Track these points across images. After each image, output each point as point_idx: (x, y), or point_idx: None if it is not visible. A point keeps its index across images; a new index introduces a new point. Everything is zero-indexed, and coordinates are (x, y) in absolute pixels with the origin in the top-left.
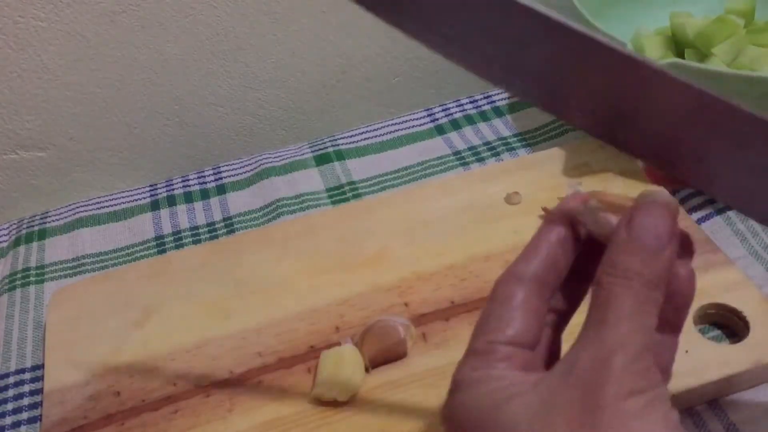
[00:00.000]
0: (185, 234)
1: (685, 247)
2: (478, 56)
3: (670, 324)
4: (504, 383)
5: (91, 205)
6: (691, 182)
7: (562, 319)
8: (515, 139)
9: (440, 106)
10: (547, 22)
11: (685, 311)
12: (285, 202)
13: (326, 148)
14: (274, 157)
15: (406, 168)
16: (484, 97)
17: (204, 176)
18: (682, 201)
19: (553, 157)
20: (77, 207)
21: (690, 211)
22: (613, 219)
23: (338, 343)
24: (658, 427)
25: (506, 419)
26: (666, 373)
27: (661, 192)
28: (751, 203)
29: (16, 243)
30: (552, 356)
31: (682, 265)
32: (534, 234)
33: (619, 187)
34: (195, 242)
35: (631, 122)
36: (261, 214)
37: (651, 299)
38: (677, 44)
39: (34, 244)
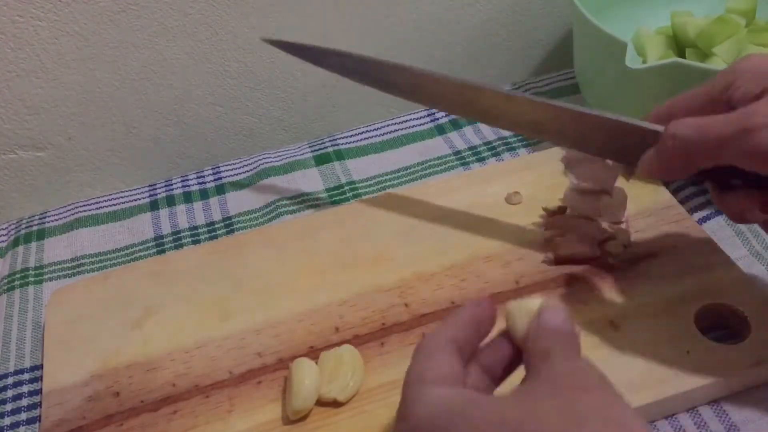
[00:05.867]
0: (184, 234)
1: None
2: None
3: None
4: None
5: (90, 205)
6: None
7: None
8: (515, 139)
9: None
10: None
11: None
12: (285, 202)
13: (326, 148)
14: (274, 157)
15: (406, 168)
16: None
17: (203, 176)
18: (683, 201)
19: (553, 157)
20: (76, 207)
21: (691, 211)
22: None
23: (338, 344)
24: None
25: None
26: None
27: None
28: None
29: (15, 243)
30: None
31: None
32: (464, 305)
33: (618, 186)
34: (194, 242)
35: None
36: (261, 214)
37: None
38: (678, 44)
39: (33, 245)
